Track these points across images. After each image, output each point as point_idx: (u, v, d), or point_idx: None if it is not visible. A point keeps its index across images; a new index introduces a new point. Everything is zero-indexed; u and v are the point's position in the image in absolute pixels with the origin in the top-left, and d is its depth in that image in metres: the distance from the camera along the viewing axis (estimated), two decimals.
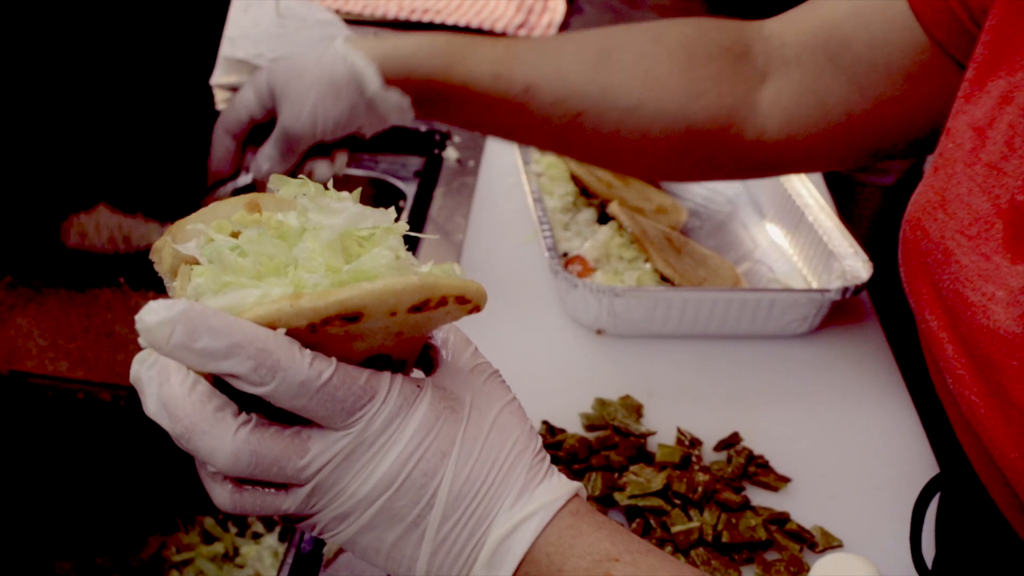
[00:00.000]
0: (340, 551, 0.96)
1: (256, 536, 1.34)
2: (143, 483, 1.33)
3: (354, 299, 0.49)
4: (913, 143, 0.93)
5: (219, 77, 1.96)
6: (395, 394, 0.53)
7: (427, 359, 0.61)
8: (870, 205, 2.56)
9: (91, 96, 1.72)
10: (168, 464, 1.30)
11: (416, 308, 0.51)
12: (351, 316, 0.50)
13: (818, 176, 1.72)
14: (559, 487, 0.58)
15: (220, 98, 1.94)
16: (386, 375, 0.54)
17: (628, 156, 1.02)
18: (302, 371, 0.50)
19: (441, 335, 0.61)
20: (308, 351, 0.50)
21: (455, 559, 0.56)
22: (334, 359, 0.52)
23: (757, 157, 1.00)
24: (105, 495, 1.34)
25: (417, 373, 0.60)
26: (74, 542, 1.32)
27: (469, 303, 0.54)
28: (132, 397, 1.26)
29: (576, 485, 0.59)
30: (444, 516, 0.55)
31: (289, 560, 0.97)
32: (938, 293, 0.68)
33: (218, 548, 1.32)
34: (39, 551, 1.31)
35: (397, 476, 0.53)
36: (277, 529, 1.33)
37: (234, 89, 1.95)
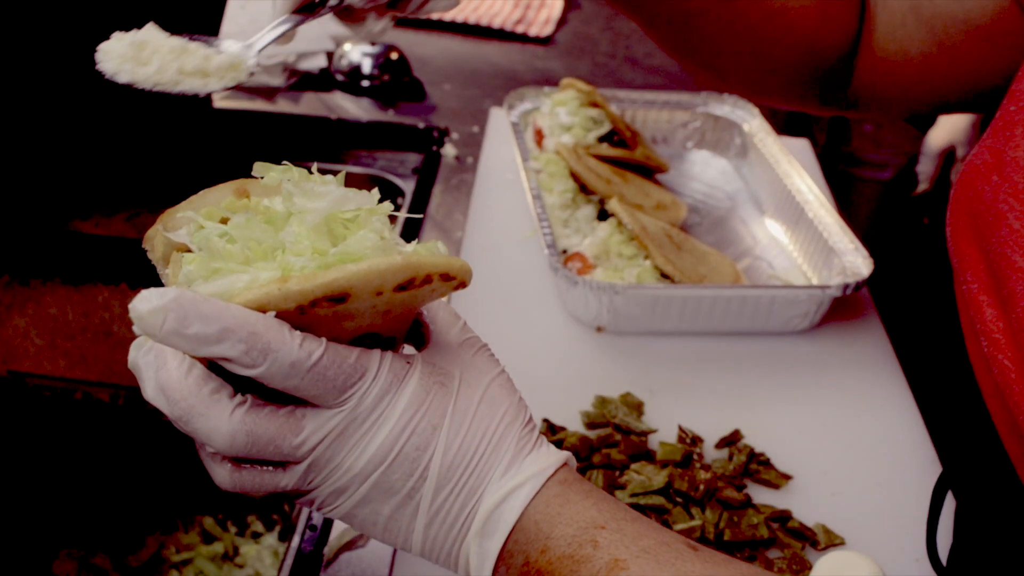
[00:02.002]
0: (341, 550, 0.96)
1: (256, 536, 1.33)
2: (142, 483, 1.33)
3: (340, 280, 0.50)
4: (979, 101, 0.92)
5: None
6: (385, 371, 0.55)
7: (417, 335, 0.62)
8: (868, 199, 2.56)
9: (89, 95, 1.71)
10: (167, 463, 1.30)
11: (402, 287, 0.52)
12: (338, 297, 0.51)
13: (817, 171, 1.72)
14: (548, 456, 0.59)
15: (218, 96, 1.93)
16: (376, 353, 0.55)
17: (743, 61, 0.97)
18: (292, 352, 0.51)
19: (430, 311, 0.62)
20: (298, 332, 0.51)
21: (449, 529, 0.58)
22: (324, 339, 0.53)
23: (851, 93, 0.99)
24: (104, 495, 1.33)
25: (408, 349, 0.61)
26: (73, 542, 1.32)
27: (454, 280, 0.55)
28: (131, 396, 1.26)
29: (565, 454, 0.60)
30: (437, 488, 0.56)
31: (289, 560, 0.97)
32: (984, 255, 0.67)
33: (218, 548, 1.32)
34: (38, 552, 1.30)
35: (390, 450, 0.55)
36: (277, 529, 1.33)
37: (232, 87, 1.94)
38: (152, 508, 1.34)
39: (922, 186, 2.30)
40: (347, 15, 0.78)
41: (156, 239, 0.59)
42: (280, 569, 0.96)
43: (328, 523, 0.99)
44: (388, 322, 0.56)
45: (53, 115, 1.68)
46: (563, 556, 0.55)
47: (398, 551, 0.95)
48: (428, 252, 0.56)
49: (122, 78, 0.62)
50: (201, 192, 0.58)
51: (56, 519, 1.32)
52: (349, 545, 0.96)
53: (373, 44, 1.97)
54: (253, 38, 0.73)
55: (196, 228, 0.56)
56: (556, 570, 0.55)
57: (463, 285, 0.56)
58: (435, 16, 2.27)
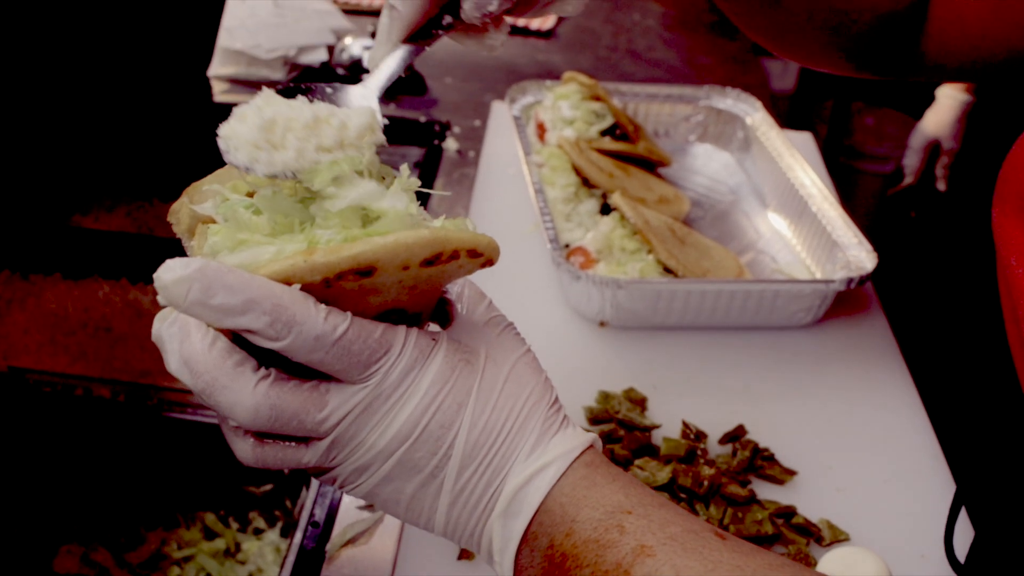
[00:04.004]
0: (344, 547, 0.95)
1: (258, 532, 1.33)
2: (143, 479, 1.33)
3: (366, 253, 0.49)
4: None
5: (217, 68, 1.95)
6: (410, 347, 0.54)
7: (442, 312, 0.61)
8: (870, 192, 2.56)
9: (90, 90, 1.71)
10: (168, 460, 1.30)
11: (428, 262, 0.52)
12: (364, 270, 0.50)
13: (820, 164, 1.72)
14: (574, 438, 0.58)
15: (218, 89, 1.93)
16: (401, 328, 0.54)
17: (817, 32, 0.96)
18: (317, 325, 0.50)
19: (456, 288, 0.61)
20: (323, 306, 0.51)
21: (473, 509, 0.57)
22: (349, 313, 0.52)
23: (912, 56, 0.98)
24: (105, 492, 1.33)
25: (433, 327, 0.61)
26: (74, 539, 1.32)
27: (481, 256, 0.54)
28: (131, 393, 1.25)
29: (591, 436, 0.59)
30: (461, 467, 0.56)
31: (291, 557, 0.96)
32: None
33: (219, 544, 1.31)
34: (39, 549, 1.30)
35: (414, 428, 0.54)
36: (279, 525, 1.32)
37: (233, 81, 1.94)
38: (153, 504, 1.34)
39: (907, 180, 2.30)
40: (466, 31, 0.72)
41: (182, 211, 0.58)
42: (282, 566, 0.96)
43: (331, 520, 0.98)
44: (414, 298, 0.55)
45: (53, 110, 1.68)
46: (588, 540, 0.55)
47: (400, 549, 0.94)
48: (456, 227, 0.55)
49: (260, 170, 0.54)
50: (227, 166, 0.57)
51: (57, 516, 1.32)
52: (351, 542, 0.96)
53: (374, 38, 1.96)
54: (369, 77, 0.66)
55: (222, 200, 0.55)
56: (581, 554, 0.54)
57: (490, 262, 0.55)
58: None
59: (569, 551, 0.55)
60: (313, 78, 1.96)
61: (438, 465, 0.56)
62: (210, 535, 1.33)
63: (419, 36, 0.66)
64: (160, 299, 0.49)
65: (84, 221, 1.71)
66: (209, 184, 0.57)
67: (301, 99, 0.59)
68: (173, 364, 0.53)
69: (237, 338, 0.52)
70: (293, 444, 0.55)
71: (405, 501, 0.57)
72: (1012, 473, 0.77)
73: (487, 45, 0.72)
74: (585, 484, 0.57)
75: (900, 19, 0.93)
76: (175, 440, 1.26)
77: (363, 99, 0.65)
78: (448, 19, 0.67)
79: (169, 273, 0.48)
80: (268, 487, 1.31)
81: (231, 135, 0.54)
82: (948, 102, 2.17)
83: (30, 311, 1.47)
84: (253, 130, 0.54)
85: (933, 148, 2.23)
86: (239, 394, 0.51)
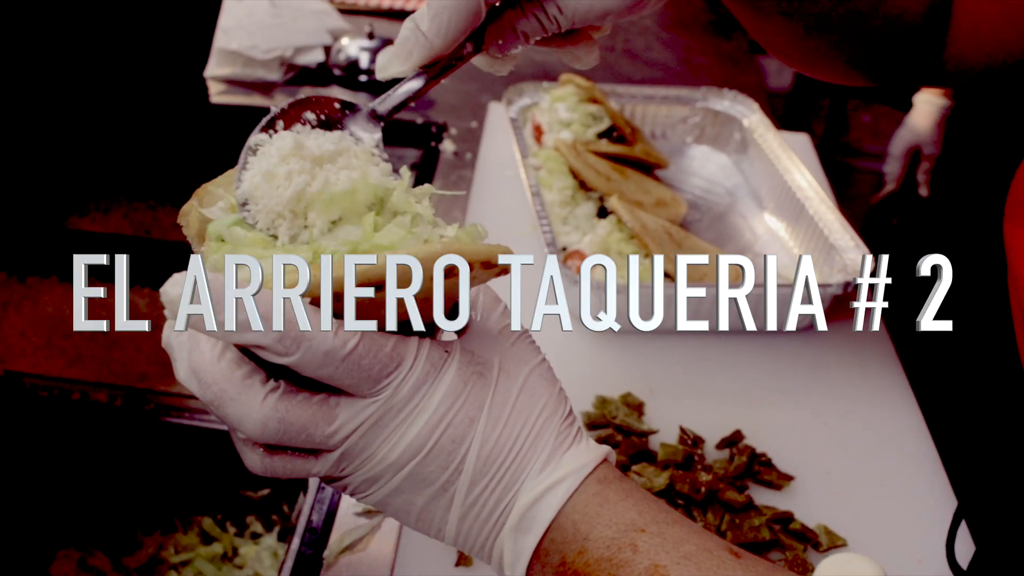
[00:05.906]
0: (341, 553, 0.95)
1: (255, 536, 1.33)
2: (140, 484, 1.32)
3: (377, 269, 0.48)
4: None
5: (213, 69, 1.94)
6: (422, 360, 0.53)
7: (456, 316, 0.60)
8: (867, 190, 2.56)
9: (86, 91, 1.70)
10: (166, 464, 1.29)
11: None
12: (374, 286, 0.49)
13: (817, 166, 1.71)
14: (587, 452, 0.58)
15: (214, 90, 1.92)
16: (413, 341, 0.54)
17: (837, 45, 0.95)
18: (327, 340, 0.49)
19: (470, 295, 0.60)
20: (333, 319, 0.50)
21: (483, 523, 0.57)
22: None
23: (931, 67, 0.98)
24: (102, 496, 1.33)
25: (447, 335, 0.60)
26: (71, 544, 1.32)
27: (496, 267, 0.53)
28: (128, 397, 1.25)
29: (605, 450, 0.59)
30: (472, 481, 0.55)
31: (289, 562, 0.96)
32: None
33: (217, 549, 1.31)
34: (36, 554, 1.30)
35: (425, 442, 0.54)
36: (276, 529, 1.32)
37: (229, 81, 1.94)
38: (150, 509, 1.34)
39: (889, 187, 2.30)
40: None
41: (191, 215, 0.57)
42: (280, 571, 0.96)
43: (328, 526, 0.98)
44: (426, 309, 0.54)
45: (49, 111, 1.67)
46: (601, 559, 0.54)
47: (398, 556, 0.94)
48: (469, 236, 0.54)
49: (281, 238, 0.53)
50: (234, 169, 0.56)
51: (54, 521, 1.32)
52: (349, 548, 0.96)
53: (371, 38, 1.96)
54: (382, 100, 0.62)
55: (228, 206, 0.54)
56: (594, 573, 0.54)
57: (506, 271, 0.54)
58: None
59: (581, 569, 0.54)
60: (310, 79, 1.96)
61: (449, 479, 0.55)
62: (207, 539, 1.33)
63: (438, 63, 0.64)
64: (167, 314, 0.49)
65: (81, 223, 1.71)
66: (217, 185, 0.56)
67: (309, 115, 0.58)
68: (182, 373, 0.53)
69: (247, 349, 0.51)
70: (303, 455, 0.54)
71: (416, 512, 0.57)
72: (1012, 477, 0.77)
73: (496, 68, 0.71)
74: (598, 501, 0.56)
75: (921, 32, 0.93)
76: (172, 444, 1.25)
77: (373, 129, 0.61)
78: (469, 48, 0.66)
79: (175, 288, 0.48)
80: (265, 491, 1.31)
81: (257, 196, 0.53)
82: (926, 107, 2.16)
83: (26, 314, 1.47)
84: (282, 202, 0.52)
85: (914, 154, 2.23)
86: (247, 407, 0.51)
